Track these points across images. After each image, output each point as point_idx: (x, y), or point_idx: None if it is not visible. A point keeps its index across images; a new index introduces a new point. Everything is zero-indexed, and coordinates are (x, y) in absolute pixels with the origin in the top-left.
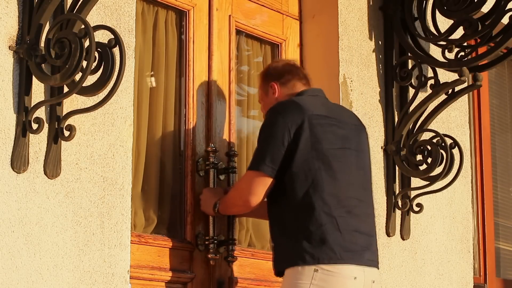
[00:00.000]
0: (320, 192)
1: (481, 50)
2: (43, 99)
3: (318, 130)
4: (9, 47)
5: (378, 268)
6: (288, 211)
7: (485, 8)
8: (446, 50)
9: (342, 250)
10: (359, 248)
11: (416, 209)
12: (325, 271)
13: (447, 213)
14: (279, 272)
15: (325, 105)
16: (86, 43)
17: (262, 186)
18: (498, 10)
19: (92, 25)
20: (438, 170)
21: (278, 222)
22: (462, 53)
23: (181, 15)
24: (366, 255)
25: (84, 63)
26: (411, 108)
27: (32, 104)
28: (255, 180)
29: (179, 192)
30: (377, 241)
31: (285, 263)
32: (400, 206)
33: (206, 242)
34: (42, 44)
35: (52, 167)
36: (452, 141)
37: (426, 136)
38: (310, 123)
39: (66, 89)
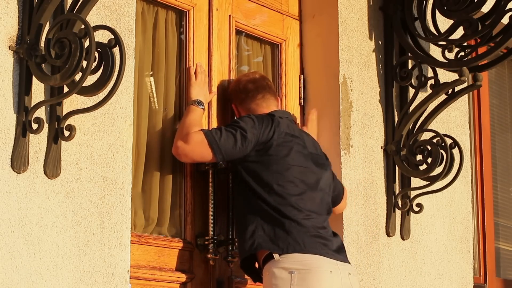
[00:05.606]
0: (285, 205)
1: (481, 50)
2: (43, 99)
3: (287, 146)
4: (9, 47)
5: (350, 263)
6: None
7: (485, 8)
8: (446, 50)
9: (306, 242)
10: (326, 243)
11: (416, 209)
12: (300, 271)
13: (447, 213)
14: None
15: (292, 127)
16: (86, 43)
17: (201, 158)
18: (498, 10)
19: (92, 25)
20: (438, 170)
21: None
22: (462, 53)
23: (181, 15)
24: (333, 253)
25: (84, 63)
26: (411, 108)
27: (32, 104)
28: (203, 146)
29: (179, 192)
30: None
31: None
32: (400, 206)
33: (206, 242)
34: (42, 44)
35: (52, 167)
36: (452, 141)
37: (426, 136)
38: (279, 138)
39: (66, 89)
